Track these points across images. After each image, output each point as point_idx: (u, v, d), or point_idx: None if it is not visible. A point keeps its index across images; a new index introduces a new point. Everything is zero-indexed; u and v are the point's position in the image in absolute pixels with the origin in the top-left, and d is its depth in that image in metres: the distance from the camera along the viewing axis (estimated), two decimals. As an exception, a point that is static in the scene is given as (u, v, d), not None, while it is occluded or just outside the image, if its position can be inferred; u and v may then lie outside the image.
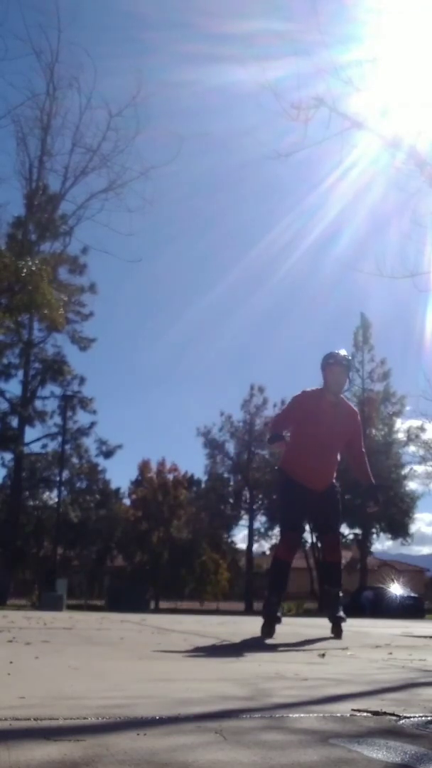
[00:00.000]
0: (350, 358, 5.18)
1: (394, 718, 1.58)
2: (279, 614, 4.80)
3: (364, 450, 5.17)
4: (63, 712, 1.53)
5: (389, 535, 40.27)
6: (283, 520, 5.24)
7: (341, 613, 5.03)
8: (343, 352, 5.10)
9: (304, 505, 4.93)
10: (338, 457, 5.08)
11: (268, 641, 4.43)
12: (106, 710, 1.59)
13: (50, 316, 17.45)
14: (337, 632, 4.93)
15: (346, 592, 34.95)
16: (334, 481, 5.07)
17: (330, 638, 4.78)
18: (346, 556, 44.44)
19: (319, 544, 6.79)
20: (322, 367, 5.00)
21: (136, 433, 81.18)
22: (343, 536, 40.72)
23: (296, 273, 65.86)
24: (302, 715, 1.60)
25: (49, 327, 26.23)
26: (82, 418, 32.73)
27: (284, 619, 5.23)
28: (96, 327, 49.77)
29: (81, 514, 34.54)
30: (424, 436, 36.74)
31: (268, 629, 4.64)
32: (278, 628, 4.72)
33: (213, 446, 41.43)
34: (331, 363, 4.96)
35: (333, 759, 1.18)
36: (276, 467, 4.71)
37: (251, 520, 40.70)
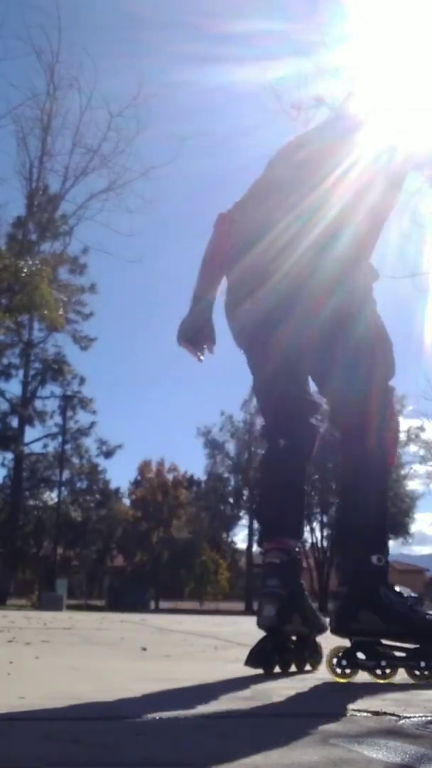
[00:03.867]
0: None
1: (394, 718, 1.58)
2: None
3: None
4: (63, 712, 1.53)
5: (389, 535, 40.36)
6: None
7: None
8: None
9: None
10: None
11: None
12: (105, 710, 1.59)
13: (50, 317, 17.50)
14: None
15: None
16: None
17: (330, 637, 4.72)
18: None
19: None
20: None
21: (136, 433, 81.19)
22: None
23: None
24: (302, 715, 1.60)
25: (48, 327, 26.31)
26: (82, 418, 32.88)
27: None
28: (96, 327, 49.80)
29: (81, 514, 34.61)
30: (424, 436, 36.81)
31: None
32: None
33: (213, 446, 41.49)
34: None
35: (333, 759, 1.18)
36: None
37: (251, 520, 40.74)
